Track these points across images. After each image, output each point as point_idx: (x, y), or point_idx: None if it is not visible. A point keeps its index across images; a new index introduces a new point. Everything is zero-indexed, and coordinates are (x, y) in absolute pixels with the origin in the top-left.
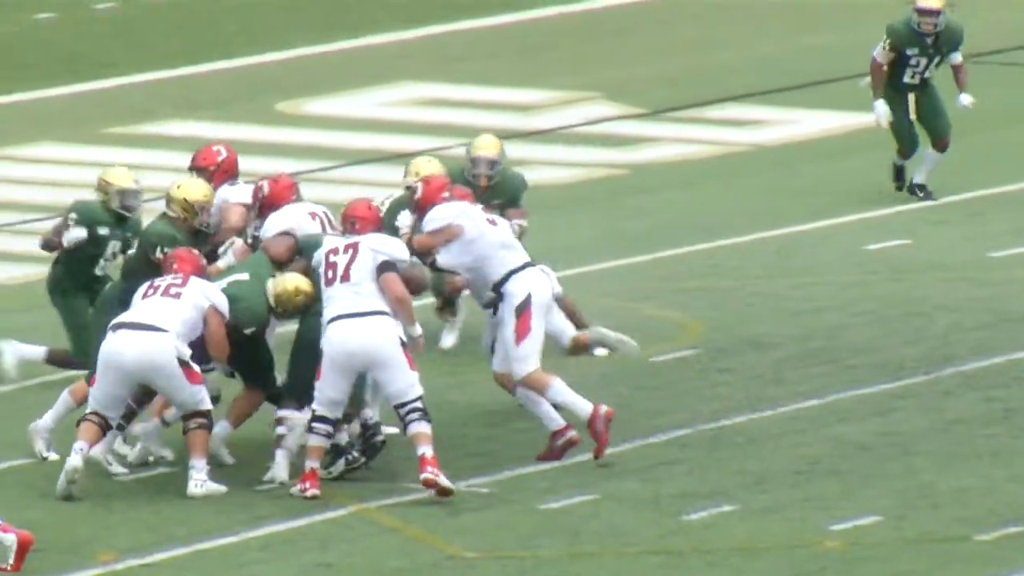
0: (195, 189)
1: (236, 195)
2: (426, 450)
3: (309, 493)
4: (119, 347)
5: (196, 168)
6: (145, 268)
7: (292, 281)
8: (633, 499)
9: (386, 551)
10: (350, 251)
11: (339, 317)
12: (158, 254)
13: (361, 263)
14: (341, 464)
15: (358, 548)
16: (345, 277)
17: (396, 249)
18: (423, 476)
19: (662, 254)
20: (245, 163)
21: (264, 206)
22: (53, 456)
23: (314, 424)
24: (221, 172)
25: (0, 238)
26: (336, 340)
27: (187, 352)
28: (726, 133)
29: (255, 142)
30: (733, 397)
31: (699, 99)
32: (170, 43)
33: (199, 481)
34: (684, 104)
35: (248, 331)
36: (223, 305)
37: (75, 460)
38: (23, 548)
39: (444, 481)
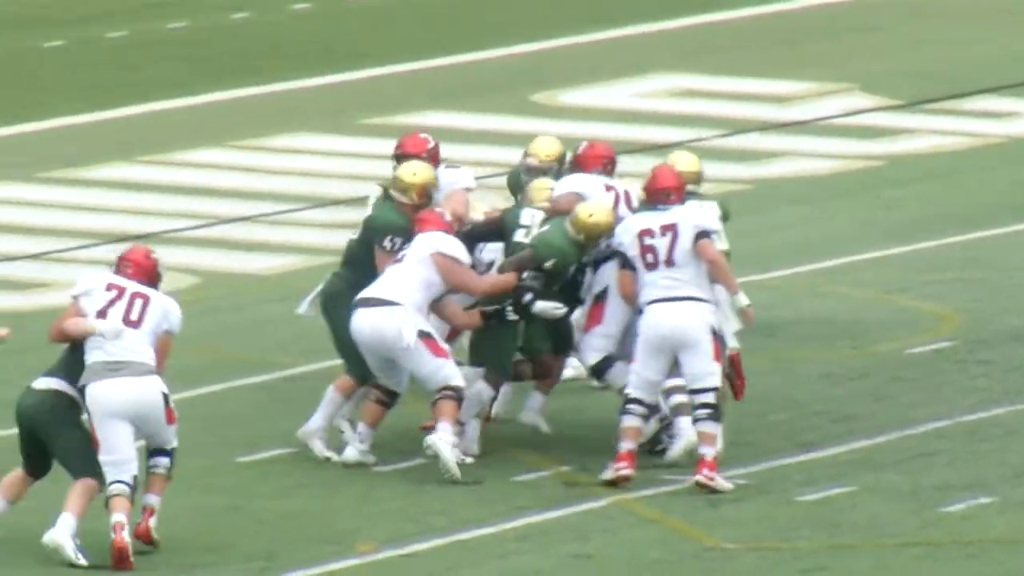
0: (427, 173)
1: (462, 179)
2: (707, 451)
3: (623, 473)
4: (358, 324)
5: (404, 155)
6: (372, 256)
7: (585, 207)
8: (891, 491)
9: (645, 542)
10: (669, 233)
11: (656, 301)
12: (386, 244)
13: (683, 245)
14: (652, 425)
15: (617, 539)
16: (669, 262)
17: (710, 220)
18: (697, 479)
19: (919, 245)
20: (501, 153)
21: (571, 166)
22: (333, 456)
23: (629, 406)
24: (431, 160)
25: (258, 228)
26: (651, 323)
27: (424, 324)
28: (982, 125)
29: (510, 132)
30: (992, 389)
31: (954, 91)
32: (425, 34)
33: (439, 437)
34: (939, 96)
35: (548, 264)
36: (453, 249)
37: (351, 453)
38: (118, 554)
39: (721, 485)
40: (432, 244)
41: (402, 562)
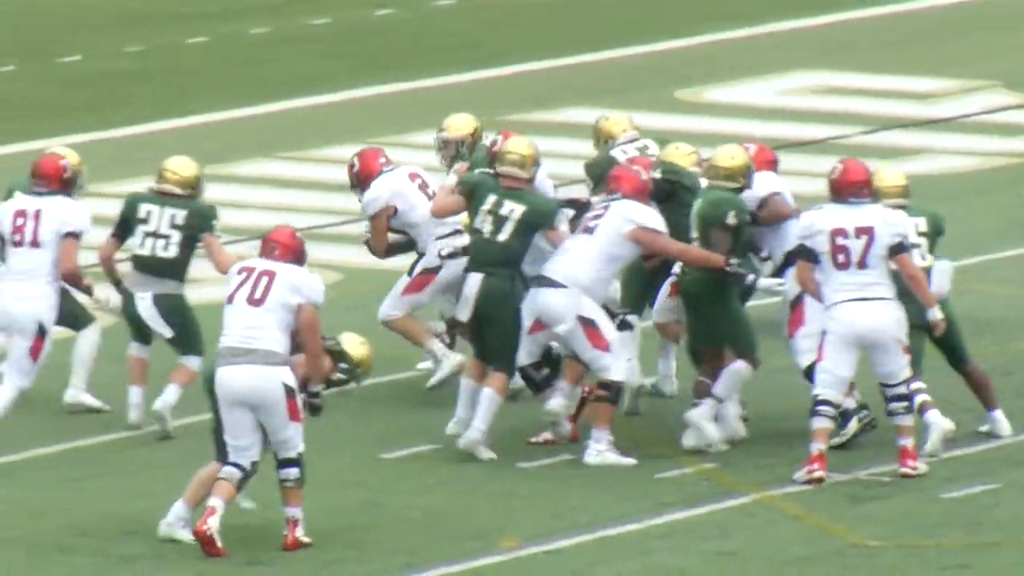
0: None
1: None
2: (907, 442)
3: (816, 475)
4: (530, 301)
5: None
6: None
7: (721, 157)
8: None
9: (788, 539)
10: (864, 236)
11: (847, 300)
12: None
13: (877, 251)
14: (853, 424)
15: (760, 536)
16: (861, 264)
17: (906, 228)
18: (903, 470)
19: None
20: None
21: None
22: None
23: (819, 407)
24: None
25: None
26: (844, 320)
27: (588, 309)
28: None
29: (654, 129)
30: None
31: None
32: (567, 30)
33: (595, 451)
34: None
35: (730, 219)
36: (650, 220)
37: (555, 403)
38: (198, 537)
39: (924, 471)
40: (630, 218)
41: (545, 559)
